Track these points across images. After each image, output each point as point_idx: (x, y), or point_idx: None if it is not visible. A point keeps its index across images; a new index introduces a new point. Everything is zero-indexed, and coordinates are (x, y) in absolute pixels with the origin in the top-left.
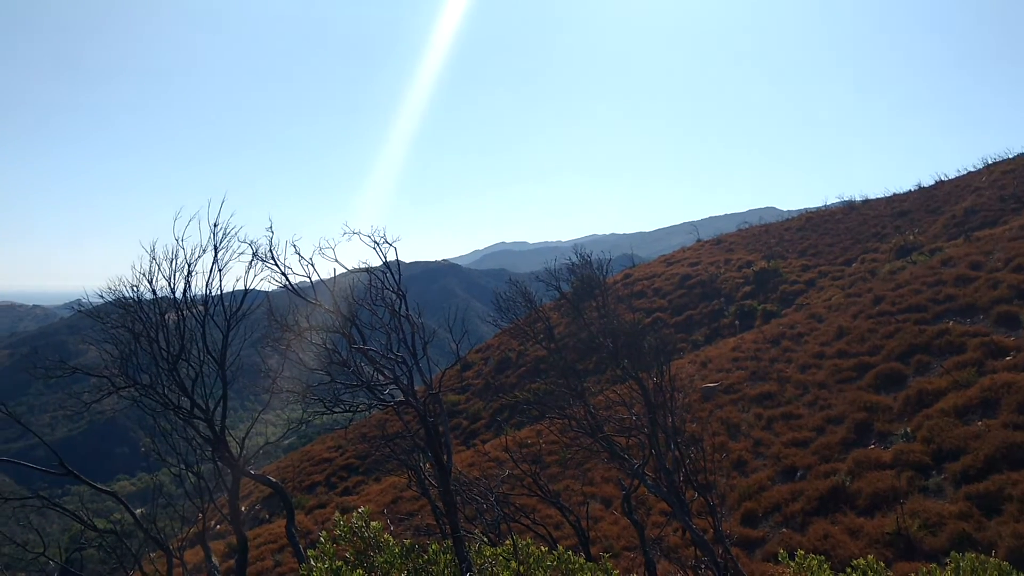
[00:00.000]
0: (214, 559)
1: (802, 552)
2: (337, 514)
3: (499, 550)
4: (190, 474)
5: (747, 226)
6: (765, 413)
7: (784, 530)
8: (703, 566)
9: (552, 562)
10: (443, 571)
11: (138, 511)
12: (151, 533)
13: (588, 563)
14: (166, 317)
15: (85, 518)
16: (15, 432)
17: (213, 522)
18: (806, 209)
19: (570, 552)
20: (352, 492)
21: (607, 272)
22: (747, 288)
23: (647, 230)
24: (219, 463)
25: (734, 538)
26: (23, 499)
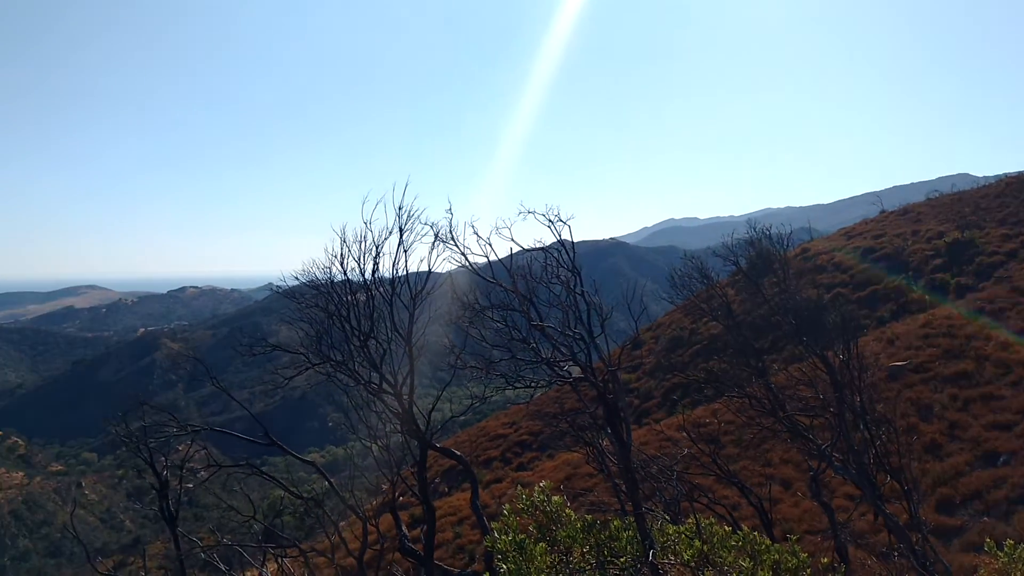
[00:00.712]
0: (404, 528)
1: (1011, 542)
2: (519, 488)
3: (682, 528)
4: (376, 446)
5: (937, 195)
6: (961, 394)
7: (985, 519)
8: (896, 554)
9: (737, 542)
10: (625, 547)
11: (333, 479)
12: (347, 501)
13: (775, 544)
14: (356, 297)
15: (288, 486)
16: (219, 406)
17: (396, 493)
18: (1005, 174)
19: (756, 533)
20: (526, 468)
21: (787, 245)
22: (937, 261)
23: (825, 202)
24: (407, 436)
25: (930, 526)
26: (235, 466)
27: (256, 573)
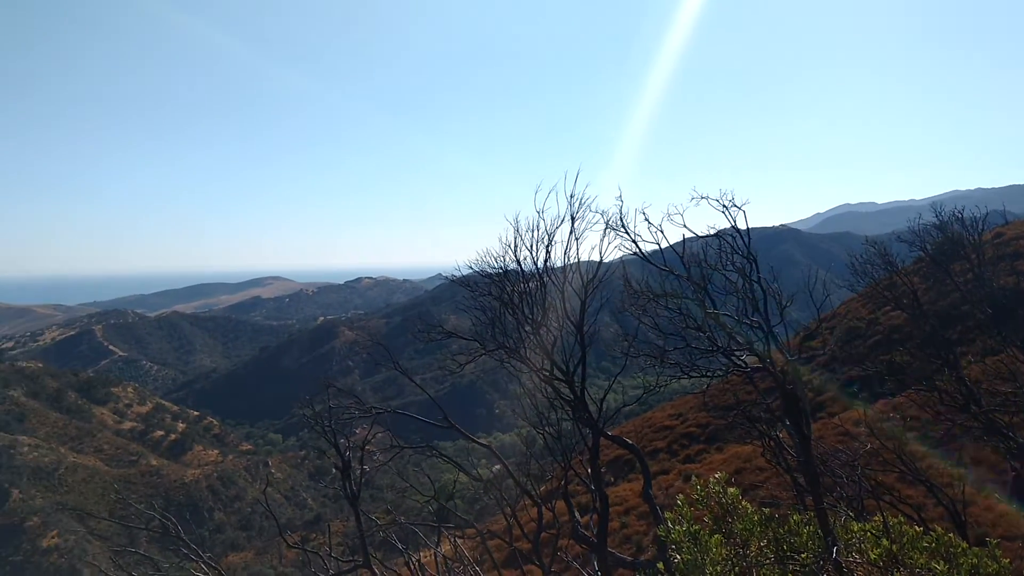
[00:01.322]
0: (578, 516)
1: None
2: (694, 478)
3: (867, 526)
4: (544, 434)
5: None
6: None
7: None
8: None
9: (930, 543)
10: (805, 543)
11: (496, 467)
12: (523, 485)
13: (973, 548)
14: (529, 285)
15: (464, 469)
16: (392, 391)
17: (567, 480)
18: None
19: (951, 535)
20: (694, 460)
21: (981, 229)
22: None
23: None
24: (578, 423)
25: None
26: (417, 448)
27: (431, 552)
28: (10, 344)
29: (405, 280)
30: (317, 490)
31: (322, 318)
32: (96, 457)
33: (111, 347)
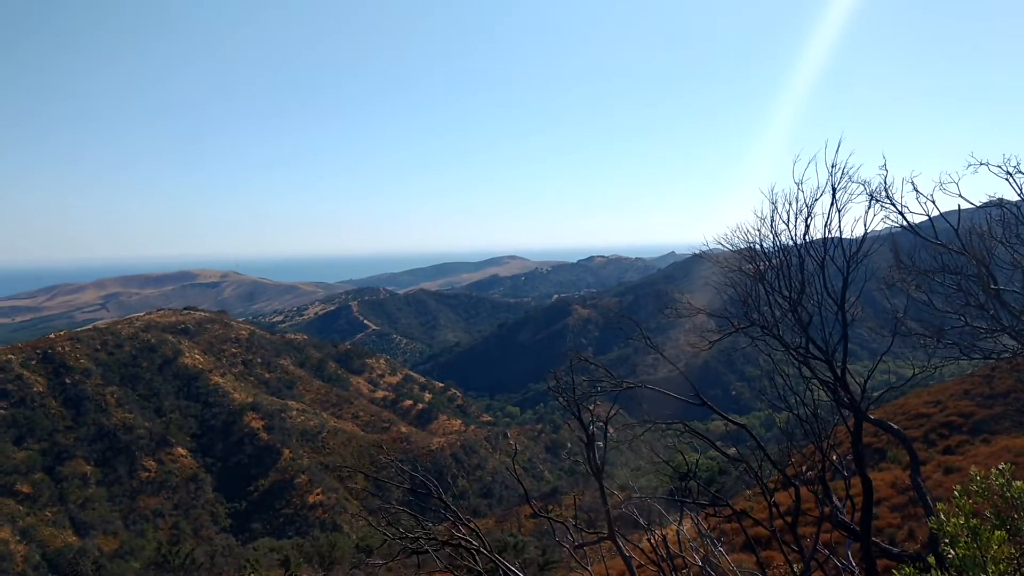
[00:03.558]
0: (835, 499)
1: None
2: (973, 468)
3: None
4: (795, 415)
5: None
6: None
7: None
8: None
9: None
10: None
11: (731, 450)
12: (780, 467)
13: None
14: (786, 259)
15: (716, 446)
16: (626, 370)
17: (824, 464)
18: None
19: None
20: (954, 452)
21: None
22: None
23: None
24: (837, 405)
25: None
26: (668, 423)
27: (673, 529)
28: (280, 318)
29: (637, 258)
30: (554, 463)
31: (556, 296)
32: (353, 423)
33: (366, 321)
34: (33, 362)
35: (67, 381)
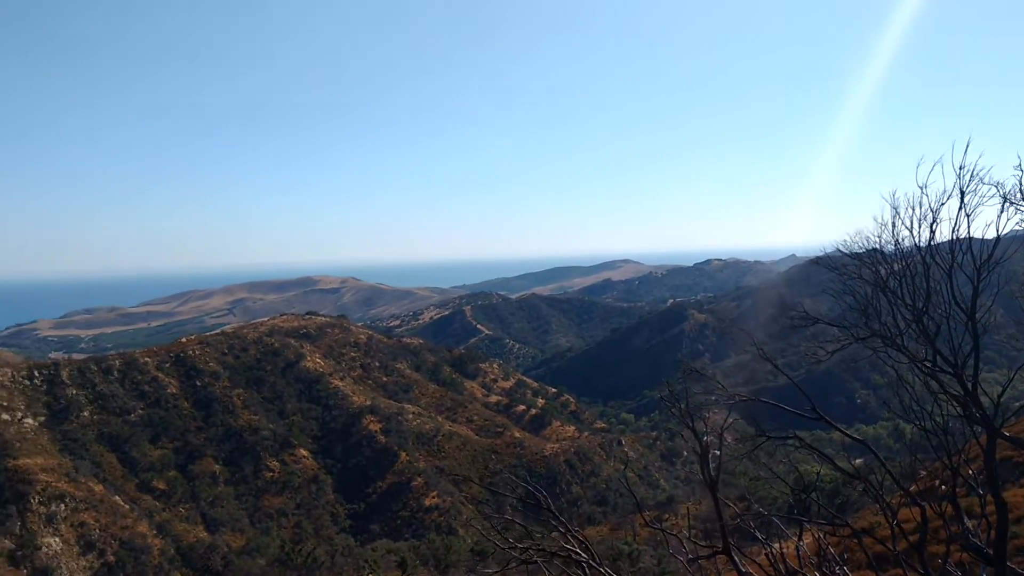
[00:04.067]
0: (966, 520)
1: None
2: None
3: None
4: (921, 428)
5: None
6: None
7: None
8: None
9: None
10: None
11: (856, 461)
12: (902, 484)
13: None
14: (909, 266)
15: (832, 461)
16: (742, 377)
17: (937, 482)
18: None
19: None
20: None
21: None
22: None
23: None
24: (968, 421)
25: None
26: (783, 438)
27: (793, 544)
28: (396, 322)
29: (756, 261)
30: (669, 471)
31: (671, 300)
32: (467, 427)
33: (478, 326)
34: (167, 365)
35: (198, 383)
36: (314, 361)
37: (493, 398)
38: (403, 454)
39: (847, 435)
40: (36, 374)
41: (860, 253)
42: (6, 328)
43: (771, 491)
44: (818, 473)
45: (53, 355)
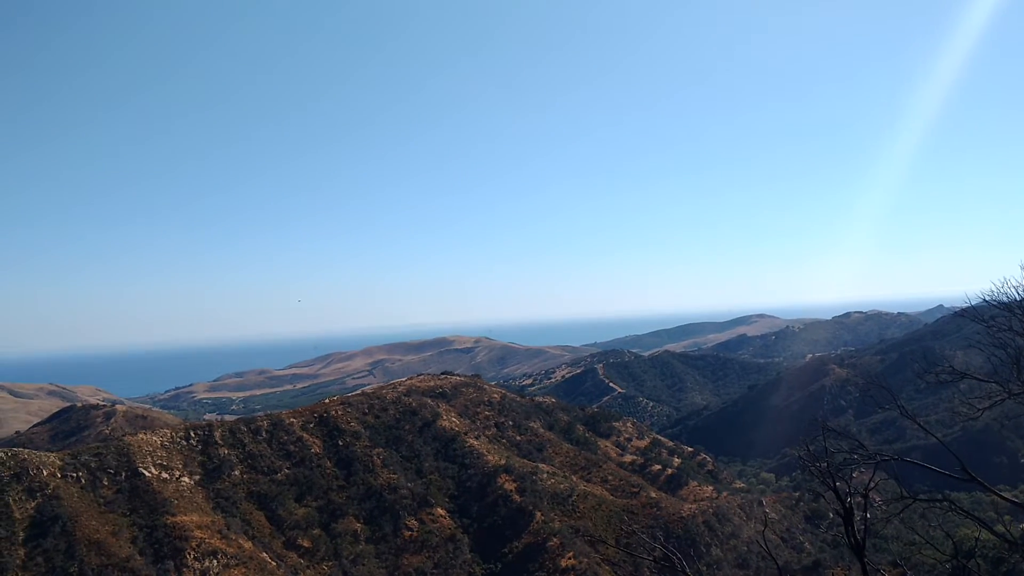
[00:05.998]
0: None
1: None
2: None
3: None
4: None
5: None
6: None
7: None
8: None
9: None
10: None
11: (1023, 526)
12: None
13: None
14: None
15: (986, 525)
16: (891, 434)
17: None
18: None
19: None
20: None
21: None
22: None
23: None
24: None
25: None
26: (930, 500)
27: None
28: (529, 381)
29: (900, 313)
30: (814, 534)
31: (810, 355)
32: (602, 487)
33: (611, 384)
34: (311, 425)
35: (340, 443)
36: (450, 420)
37: (628, 457)
38: (538, 514)
39: (1003, 498)
40: (192, 435)
41: (1009, 303)
42: (167, 391)
43: (927, 558)
44: (976, 538)
45: (207, 416)
